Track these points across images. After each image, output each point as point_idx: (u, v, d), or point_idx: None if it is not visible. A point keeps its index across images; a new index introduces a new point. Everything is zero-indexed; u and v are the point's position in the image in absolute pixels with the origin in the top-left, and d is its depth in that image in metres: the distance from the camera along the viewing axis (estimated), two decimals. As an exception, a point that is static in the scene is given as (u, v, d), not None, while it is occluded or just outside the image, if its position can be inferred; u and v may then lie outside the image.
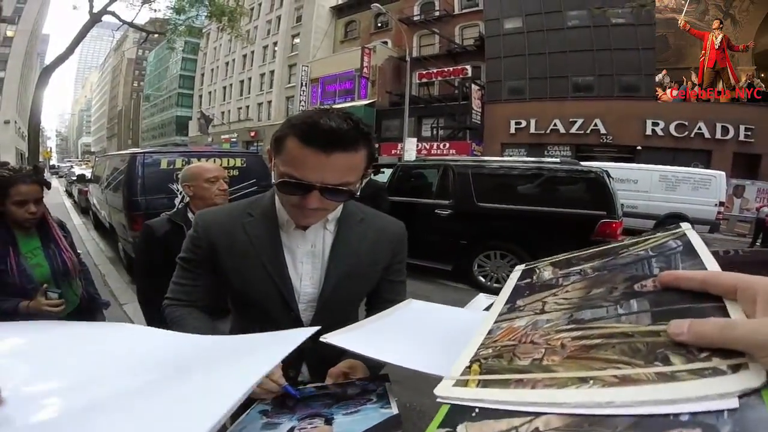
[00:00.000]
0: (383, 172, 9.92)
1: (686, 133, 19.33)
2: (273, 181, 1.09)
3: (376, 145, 25.39)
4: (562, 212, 6.06)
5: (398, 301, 1.23)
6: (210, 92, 50.72)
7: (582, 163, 8.03)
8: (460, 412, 0.43)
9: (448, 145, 23.75)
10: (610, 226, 5.70)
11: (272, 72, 40.29)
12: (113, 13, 12.00)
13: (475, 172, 6.87)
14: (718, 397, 0.31)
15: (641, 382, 0.35)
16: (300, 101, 32.88)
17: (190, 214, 2.27)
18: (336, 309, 1.25)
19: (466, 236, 6.76)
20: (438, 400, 0.47)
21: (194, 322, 1.22)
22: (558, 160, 7.70)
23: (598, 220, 5.72)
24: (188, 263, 1.27)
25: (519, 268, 0.75)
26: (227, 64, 47.56)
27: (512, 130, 23.99)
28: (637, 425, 0.32)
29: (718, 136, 18.90)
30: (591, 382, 0.38)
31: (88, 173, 15.35)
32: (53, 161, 72.25)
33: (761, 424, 0.28)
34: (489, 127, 24.79)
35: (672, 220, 12.72)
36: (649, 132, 20.01)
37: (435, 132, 26.03)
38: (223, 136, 44.03)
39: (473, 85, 24.43)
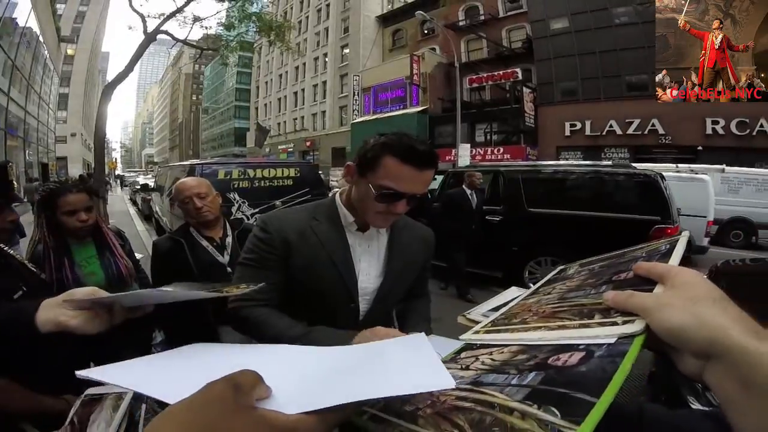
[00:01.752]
0: (435, 179, 9.91)
1: (748, 131, 18.40)
2: (358, 191, 1.28)
3: None
4: (615, 217, 5.83)
5: (425, 294, 1.64)
6: (266, 104, 51.65)
7: (636, 165, 7.71)
8: (467, 347, 0.66)
9: (502, 149, 23.63)
10: (665, 231, 5.46)
11: (324, 83, 40.69)
12: (166, 32, 12.29)
13: (526, 177, 6.72)
14: (604, 336, 0.48)
15: (569, 328, 0.55)
16: (353, 110, 33.27)
17: (191, 230, 2.34)
18: (389, 302, 1.45)
19: (517, 242, 6.56)
20: (460, 339, 0.70)
21: (281, 321, 1.27)
22: (610, 162, 7.37)
23: (653, 226, 5.50)
24: (260, 263, 1.34)
25: (559, 268, 0.96)
26: (280, 76, 48.34)
27: (567, 133, 23.30)
28: (554, 350, 0.51)
29: (782, 133, 18.09)
30: (543, 329, 0.58)
31: (151, 182, 15.90)
32: (118, 171, 75.29)
33: (619, 350, 0.45)
34: (543, 130, 24.19)
35: (735, 225, 12.25)
36: (709, 131, 19.11)
37: (489, 137, 25.50)
38: (280, 147, 44.81)
39: (524, 88, 23.88)
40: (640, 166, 7.92)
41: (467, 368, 0.57)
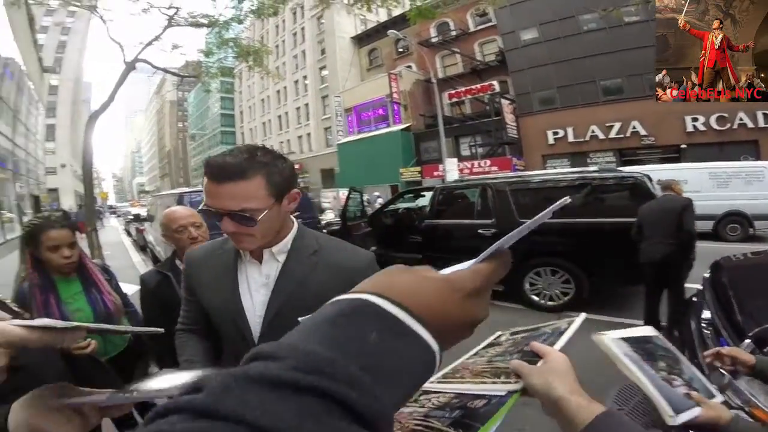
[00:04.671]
0: (423, 196, 9.55)
1: (728, 125, 18.12)
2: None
3: (417, 169, 24.72)
4: (607, 222, 5.60)
5: None
6: (251, 128, 50.65)
7: (623, 168, 7.59)
8: (424, 392, 0.81)
9: (488, 162, 22.95)
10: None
11: (306, 105, 39.99)
12: (146, 61, 11.86)
13: (514, 189, 6.41)
14: (500, 391, 0.66)
15: (486, 383, 0.72)
16: (338, 131, 32.75)
17: (177, 262, 2.17)
18: (279, 334, 1.33)
19: (513, 255, 6.26)
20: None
21: (190, 349, 1.36)
22: (596, 168, 7.14)
23: None
24: (185, 293, 1.40)
25: (498, 334, 1.05)
26: (263, 100, 47.58)
27: (551, 141, 22.80)
28: (473, 397, 0.68)
29: (762, 124, 17.65)
30: (470, 383, 0.75)
31: (144, 212, 15.64)
32: (110, 201, 73.22)
33: (504, 400, 0.62)
34: (527, 140, 23.67)
35: (731, 218, 11.90)
36: (690, 128, 18.82)
37: (474, 150, 25.11)
38: None
39: (503, 100, 23.38)
40: (627, 168, 7.80)
41: (423, 406, 0.77)
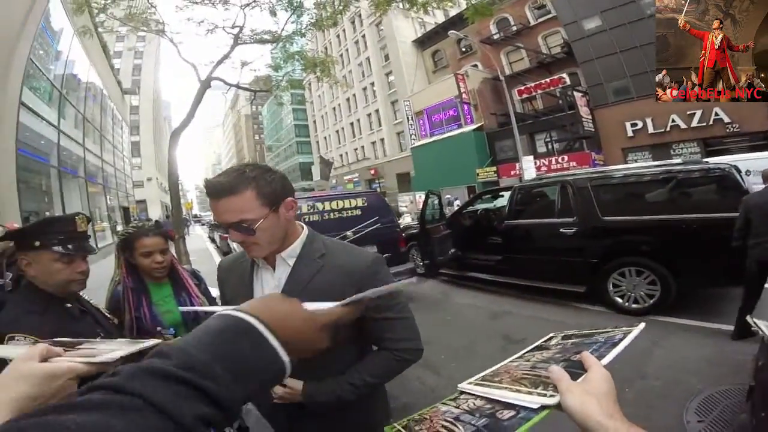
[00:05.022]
0: (502, 196, 9.33)
1: None
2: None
3: (493, 168, 24.56)
4: (693, 218, 5.12)
5: (394, 340, 1.33)
6: (325, 137, 51.68)
7: (709, 159, 7.10)
8: (463, 392, 0.86)
9: (566, 158, 22.07)
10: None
11: (377, 111, 40.40)
12: (219, 78, 12.10)
13: (595, 185, 6.04)
14: (532, 403, 0.66)
15: (521, 392, 0.71)
16: (410, 135, 32.85)
17: None
18: None
19: (596, 254, 5.85)
20: (458, 387, 0.88)
21: None
22: (680, 160, 6.61)
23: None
24: (220, 296, 1.51)
25: (550, 335, 1.02)
26: (334, 109, 48.43)
27: (630, 133, 21.59)
28: (504, 405, 0.70)
29: None
30: (507, 389, 0.75)
31: None
32: (195, 211, 76.20)
33: (530, 416, 0.64)
34: (604, 133, 22.57)
35: None
36: None
37: (550, 146, 23.88)
38: (345, 177, 44.65)
39: (575, 93, 22.24)
40: (713, 159, 7.33)
41: (458, 407, 0.80)
